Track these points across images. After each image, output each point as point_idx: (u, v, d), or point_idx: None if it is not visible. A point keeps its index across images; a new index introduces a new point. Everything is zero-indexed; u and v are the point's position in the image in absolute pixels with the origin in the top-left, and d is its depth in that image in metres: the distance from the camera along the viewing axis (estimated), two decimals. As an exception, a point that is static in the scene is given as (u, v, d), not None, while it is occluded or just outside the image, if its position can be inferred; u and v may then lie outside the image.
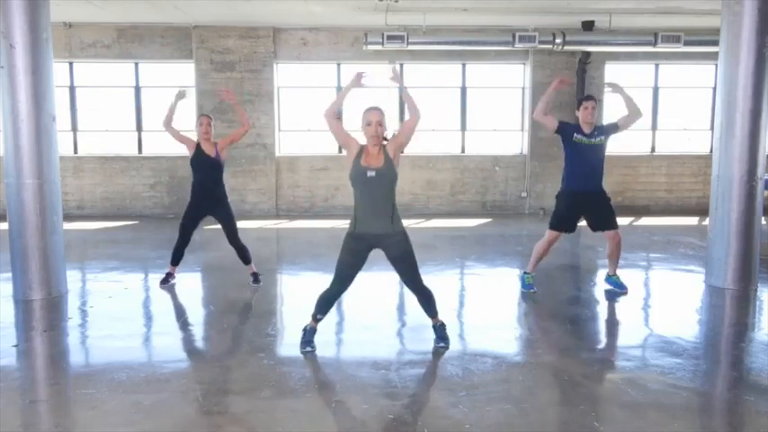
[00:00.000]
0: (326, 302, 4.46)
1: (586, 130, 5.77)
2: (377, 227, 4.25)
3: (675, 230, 9.68)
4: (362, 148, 4.26)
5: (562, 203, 5.91)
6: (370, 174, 4.17)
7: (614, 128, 5.87)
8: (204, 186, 6.08)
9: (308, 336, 4.46)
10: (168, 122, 6.10)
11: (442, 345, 4.49)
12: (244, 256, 6.25)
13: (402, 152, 4.43)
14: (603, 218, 5.90)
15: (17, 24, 5.48)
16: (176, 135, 6.12)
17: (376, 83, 4.50)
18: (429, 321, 4.55)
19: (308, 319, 4.50)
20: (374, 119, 4.19)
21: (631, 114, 5.87)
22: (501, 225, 10.35)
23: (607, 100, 11.19)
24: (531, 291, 6.03)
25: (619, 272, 6.20)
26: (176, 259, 6.29)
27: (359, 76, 4.38)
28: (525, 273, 6.14)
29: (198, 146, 6.05)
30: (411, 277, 4.41)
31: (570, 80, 5.78)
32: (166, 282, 6.31)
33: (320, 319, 4.50)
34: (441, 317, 4.57)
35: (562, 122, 5.84)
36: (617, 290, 6.09)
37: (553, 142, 10.85)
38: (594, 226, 5.99)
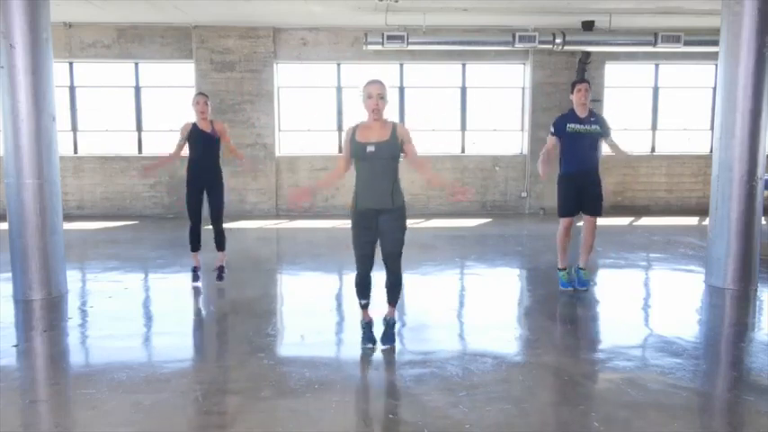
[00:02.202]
0: (362, 286, 4.45)
1: (580, 113, 5.82)
2: (377, 202, 4.23)
3: (675, 230, 9.67)
4: (355, 129, 4.25)
5: (562, 187, 5.96)
6: (370, 149, 4.15)
7: (606, 132, 5.93)
8: (200, 161, 6.12)
9: (367, 331, 4.48)
10: (179, 153, 6.22)
11: (386, 346, 4.42)
12: (220, 241, 6.29)
13: (403, 152, 4.35)
14: (591, 201, 5.92)
15: (17, 24, 5.48)
16: (184, 142, 6.16)
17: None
18: (429, 321, 4.56)
19: (307, 320, 4.50)
20: (375, 91, 4.15)
21: (616, 151, 6.16)
22: (501, 225, 10.35)
23: (607, 100, 11.21)
24: (569, 289, 6.00)
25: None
26: (195, 244, 6.29)
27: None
28: (558, 269, 6.11)
29: (194, 125, 6.12)
30: (393, 254, 4.34)
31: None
32: (196, 278, 6.31)
33: (366, 305, 4.49)
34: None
35: (556, 126, 5.89)
36: (579, 287, 6.04)
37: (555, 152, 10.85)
38: (580, 206, 5.95)
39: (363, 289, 4.46)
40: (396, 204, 4.25)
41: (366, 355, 4.40)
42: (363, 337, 4.49)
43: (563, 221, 5.97)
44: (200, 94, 6.33)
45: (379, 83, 4.19)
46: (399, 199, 4.29)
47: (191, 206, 6.18)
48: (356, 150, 4.20)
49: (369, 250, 4.34)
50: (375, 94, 4.14)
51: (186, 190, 6.19)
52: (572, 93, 5.90)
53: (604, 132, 5.90)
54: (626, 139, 11.62)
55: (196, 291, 6.21)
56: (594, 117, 5.87)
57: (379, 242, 4.35)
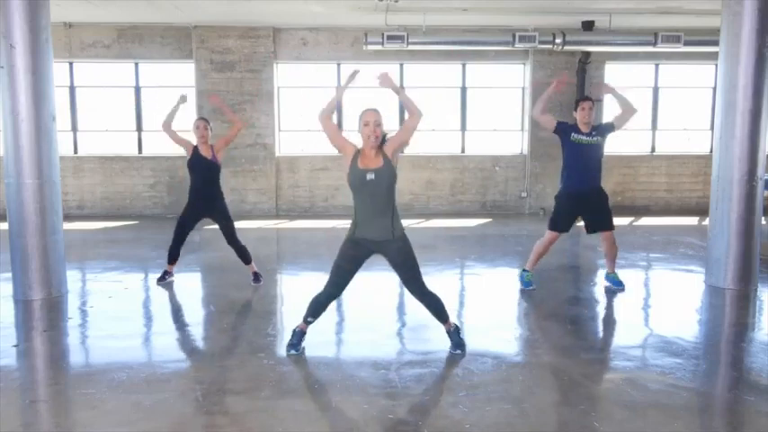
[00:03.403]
0: (319, 306, 4.39)
1: (584, 129, 5.81)
2: (377, 232, 4.17)
3: (675, 230, 9.68)
4: (358, 152, 4.17)
5: (561, 204, 5.96)
6: (370, 176, 4.09)
7: (611, 127, 5.91)
8: (201, 188, 6.13)
9: (296, 338, 4.41)
10: (168, 125, 6.16)
11: (457, 352, 4.37)
12: (243, 255, 6.28)
13: (402, 152, 4.37)
14: (600, 218, 5.96)
15: (17, 24, 5.48)
16: (175, 137, 6.18)
17: (370, 78, 4.43)
18: (428, 321, 4.54)
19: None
20: (371, 119, 4.10)
21: (625, 112, 5.90)
22: (501, 225, 10.35)
23: (607, 100, 11.20)
24: (531, 288, 6.08)
25: (619, 271, 6.24)
26: (173, 258, 6.33)
27: (353, 74, 4.31)
28: (524, 270, 6.18)
29: (195, 148, 6.10)
30: (413, 283, 4.33)
31: (568, 78, 5.85)
32: (163, 279, 6.36)
33: (311, 322, 4.43)
34: (450, 324, 4.44)
35: (560, 122, 5.88)
36: (614, 287, 6.15)
37: (553, 142, 10.79)
38: (591, 227, 6.04)
39: (318, 308, 4.39)
40: (396, 235, 4.19)
41: (362, 356, 4.39)
42: (292, 342, 4.39)
43: (549, 234, 6.00)
44: (200, 118, 6.31)
45: (375, 111, 4.14)
46: (399, 228, 4.23)
47: (181, 226, 6.23)
48: (356, 178, 4.12)
49: (345, 279, 4.31)
50: (371, 122, 4.09)
51: (185, 207, 6.24)
52: (575, 110, 5.90)
53: (610, 129, 5.88)
54: (626, 138, 11.64)
55: (196, 291, 6.21)
56: (596, 130, 5.87)
57: (398, 276, 4.34)
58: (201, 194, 6.13)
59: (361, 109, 4.21)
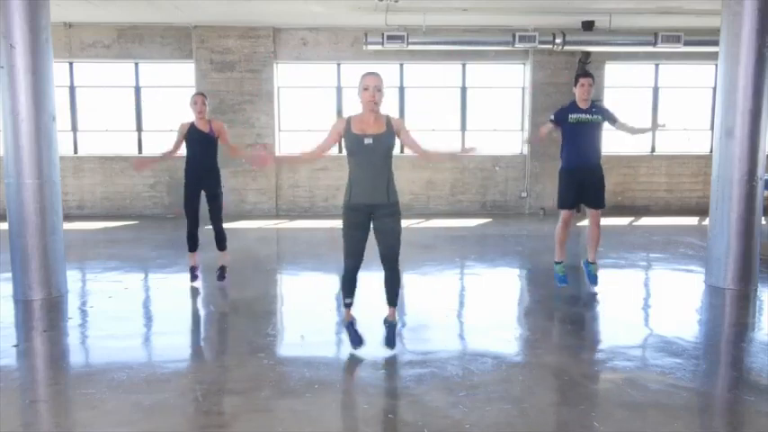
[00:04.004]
0: (348, 282, 4.36)
1: (582, 106, 5.83)
2: (372, 196, 4.15)
3: (675, 230, 9.67)
4: (349, 120, 4.16)
5: (563, 180, 5.97)
6: (368, 141, 4.06)
7: (612, 119, 5.92)
8: (198, 160, 6.10)
9: (352, 331, 4.40)
10: (176, 151, 6.21)
11: (388, 347, 4.36)
12: (220, 240, 6.28)
13: (402, 151, 4.34)
14: (594, 194, 5.94)
15: (17, 24, 5.48)
16: (182, 140, 6.16)
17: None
18: (428, 321, 4.55)
19: (308, 320, 4.49)
20: (371, 83, 4.05)
21: (631, 131, 6.08)
22: (501, 225, 10.35)
23: (607, 100, 11.20)
24: (564, 285, 6.02)
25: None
26: (192, 244, 6.28)
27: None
28: (555, 263, 6.12)
29: (192, 124, 6.11)
30: (391, 253, 4.27)
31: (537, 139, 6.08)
32: (194, 278, 6.32)
33: (350, 304, 4.40)
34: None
35: (556, 115, 5.90)
36: (588, 281, 6.10)
37: (553, 142, 10.82)
38: (583, 200, 5.99)
39: (350, 286, 4.37)
40: (391, 199, 4.18)
41: (362, 355, 4.39)
42: (351, 339, 4.41)
43: (563, 214, 5.97)
44: (198, 93, 6.31)
45: (375, 75, 4.10)
46: (394, 194, 4.21)
47: (188, 208, 6.18)
48: (352, 143, 4.10)
49: (359, 247, 4.25)
50: (372, 87, 4.04)
51: (184, 191, 6.19)
52: (575, 85, 5.91)
53: (610, 119, 5.89)
54: (626, 139, 11.63)
55: (194, 291, 6.21)
56: (596, 108, 5.87)
57: (376, 241, 4.28)
58: (197, 166, 6.10)
59: (362, 74, 4.17)
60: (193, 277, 6.34)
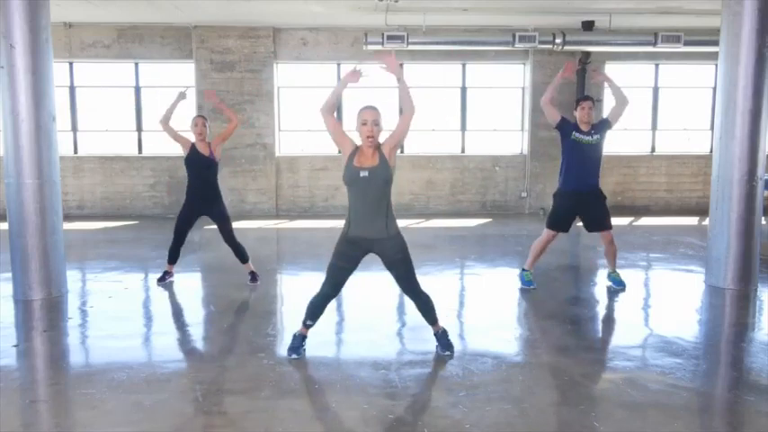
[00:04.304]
0: (317, 308, 4.35)
1: (584, 129, 5.86)
2: (371, 231, 4.13)
3: (675, 230, 9.68)
4: (357, 149, 4.15)
5: (559, 203, 5.99)
6: (363, 174, 4.05)
7: (607, 124, 5.95)
8: (199, 186, 6.12)
9: (296, 342, 4.37)
10: (166, 121, 6.17)
11: (447, 353, 4.35)
12: (240, 254, 6.28)
13: (402, 151, 4.34)
14: (598, 218, 5.99)
15: (17, 24, 5.48)
16: (172, 134, 6.17)
17: (372, 77, 4.38)
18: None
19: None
20: (369, 118, 4.06)
21: (619, 103, 5.95)
22: (501, 225, 10.35)
23: (607, 100, 11.20)
24: (532, 287, 6.10)
25: (619, 271, 6.25)
26: (173, 258, 6.33)
27: (354, 73, 4.27)
28: (524, 270, 6.21)
29: (193, 146, 6.11)
30: (407, 282, 4.30)
31: (573, 65, 5.82)
32: (163, 279, 6.36)
33: (310, 326, 4.39)
34: (441, 322, 4.44)
35: (564, 119, 5.90)
36: (615, 287, 6.17)
37: (553, 142, 10.84)
38: (589, 226, 6.08)
39: (316, 311, 4.35)
40: (390, 233, 4.15)
41: (362, 356, 4.39)
42: (292, 346, 4.36)
43: (547, 233, 6.05)
44: (198, 116, 6.29)
45: (373, 109, 4.10)
46: (393, 226, 4.18)
47: (180, 225, 6.22)
48: (350, 174, 4.09)
49: (341, 278, 4.26)
50: (370, 121, 4.05)
51: (182, 207, 6.23)
52: (575, 109, 5.93)
53: (608, 126, 5.90)
54: (626, 138, 11.64)
55: (196, 291, 6.22)
56: (595, 129, 5.90)
57: (392, 276, 4.31)
58: (199, 192, 6.12)
59: (360, 107, 4.17)
60: (162, 278, 6.36)
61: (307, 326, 4.39)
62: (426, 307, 4.39)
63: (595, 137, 5.84)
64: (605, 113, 10.57)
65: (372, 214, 4.12)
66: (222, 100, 6.34)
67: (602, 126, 5.93)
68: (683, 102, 11.97)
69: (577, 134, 5.82)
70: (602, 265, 7.23)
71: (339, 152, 4.27)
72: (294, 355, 4.32)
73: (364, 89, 4.33)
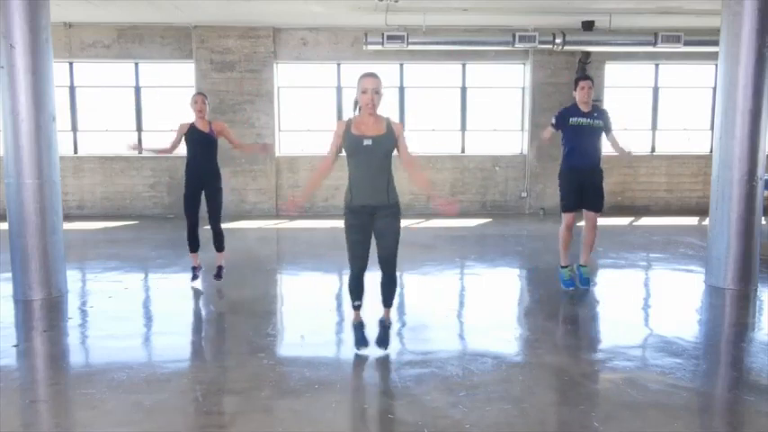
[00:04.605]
0: (357, 287, 4.34)
1: (584, 109, 5.84)
2: (372, 197, 4.12)
3: (675, 230, 9.67)
4: (349, 122, 4.14)
5: (564, 181, 5.98)
6: (367, 142, 4.03)
7: (607, 128, 5.96)
8: (198, 161, 6.11)
9: (358, 333, 4.41)
10: (171, 150, 6.26)
11: (381, 347, 4.35)
12: (219, 241, 6.27)
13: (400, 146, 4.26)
14: (593, 197, 5.95)
15: (17, 24, 5.48)
16: (179, 139, 6.17)
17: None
18: (428, 321, 4.54)
19: (307, 320, 4.49)
20: (370, 86, 4.03)
21: (615, 148, 6.10)
22: (501, 225, 10.35)
23: (607, 100, 11.20)
24: (571, 288, 6.01)
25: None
26: (193, 245, 6.29)
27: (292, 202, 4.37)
28: (561, 267, 6.12)
29: (192, 124, 6.11)
30: (389, 254, 4.24)
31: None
32: (195, 277, 6.33)
33: (359, 306, 4.40)
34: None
35: (557, 119, 5.90)
36: (582, 286, 6.07)
37: (553, 142, 10.84)
38: (581, 202, 5.99)
39: (356, 289, 4.36)
40: (391, 201, 4.17)
41: (362, 356, 4.40)
42: (356, 340, 4.42)
43: (565, 217, 5.98)
44: (197, 93, 6.33)
45: (374, 76, 4.07)
46: (394, 195, 4.20)
47: (188, 207, 6.18)
48: (352, 144, 4.08)
49: (362, 250, 4.24)
50: (370, 89, 4.02)
51: (184, 191, 6.20)
52: (575, 89, 5.93)
53: (606, 127, 5.92)
54: (626, 139, 11.63)
55: (196, 291, 6.22)
56: (597, 112, 5.89)
57: (375, 242, 4.27)
58: (198, 168, 6.10)
59: (360, 74, 4.14)
60: (194, 277, 6.34)
61: (357, 307, 4.41)
62: (392, 286, 4.38)
63: (597, 121, 5.84)
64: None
65: (374, 182, 4.12)
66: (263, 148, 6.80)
67: (606, 119, 5.93)
68: (683, 102, 11.96)
69: (575, 118, 5.82)
70: (602, 265, 7.24)
71: (340, 151, 4.24)
72: (362, 348, 4.34)
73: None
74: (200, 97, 6.14)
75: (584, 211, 6.00)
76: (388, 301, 4.41)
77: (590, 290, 6.08)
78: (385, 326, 4.43)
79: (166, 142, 6.27)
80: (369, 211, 4.17)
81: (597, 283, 6.67)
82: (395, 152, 4.21)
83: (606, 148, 6.05)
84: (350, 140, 4.09)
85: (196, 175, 6.10)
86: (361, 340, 4.40)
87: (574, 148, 5.86)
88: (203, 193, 6.16)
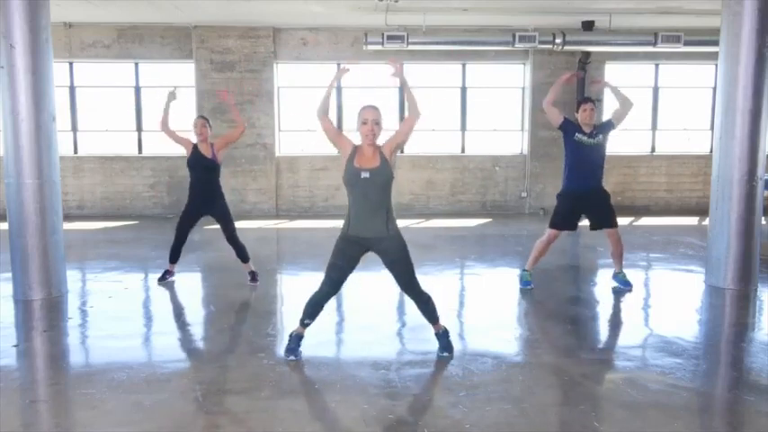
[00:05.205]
0: (315, 306, 4.32)
1: (586, 131, 5.86)
2: (371, 230, 4.12)
3: (675, 230, 9.68)
4: (355, 149, 4.13)
5: (563, 203, 5.99)
6: (365, 175, 4.04)
7: (610, 125, 5.97)
8: (201, 186, 6.12)
9: (293, 343, 4.34)
10: (165, 124, 6.21)
11: (445, 354, 4.34)
12: (242, 254, 6.28)
13: (402, 151, 4.35)
14: (603, 216, 5.99)
15: (17, 24, 5.48)
16: (173, 136, 6.20)
17: (370, 75, 4.38)
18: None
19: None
20: (370, 117, 4.04)
21: (623, 106, 5.97)
22: (501, 225, 10.35)
23: (607, 100, 11.20)
24: (529, 287, 6.10)
25: (624, 271, 6.24)
26: (174, 257, 6.35)
27: (342, 70, 4.28)
28: (524, 270, 6.21)
29: (195, 147, 6.10)
30: (407, 281, 4.29)
31: (579, 74, 5.82)
32: (164, 279, 6.37)
33: (308, 324, 4.35)
34: (442, 321, 4.45)
35: (567, 119, 5.90)
36: (621, 287, 6.16)
37: (553, 142, 10.87)
38: (594, 224, 6.09)
39: (314, 309, 4.31)
40: (390, 232, 4.14)
41: (362, 356, 4.39)
42: (289, 347, 4.34)
43: (549, 233, 6.04)
44: (199, 117, 6.30)
45: (374, 109, 4.08)
46: (394, 227, 4.17)
47: (182, 225, 6.23)
48: (351, 176, 4.08)
49: (341, 277, 4.24)
50: (370, 120, 4.03)
51: (185, 207, 6.25)
52: (577, 111, 5.94)
53: (611, 127, 5.93)
54: (626, 138, 11.64)
55: (195, 291, 6.22)
56: (597, 130, 5.91)
57: (392, 275, 4.29)
58: (201, 193, 6.12)
59: (361, 106, 4.15)
60: (162, 278, 6.37)
61: (305, 324, 4.36)
62: (426, 307, 4.37)
63: (597, 138, 5.85)
64: (606, 113, 10.68)
65: (372, 214, 4.11)
66: (233, 98, 6.27)
67: (605, 127, 5.95)
68: (683, 102, 11.96)
69: (579, 135, 5.83)
70: (603, 265, 7.24)
71: (339, 152, 4.26)
72: (292, 357, 4.30)
73: (365, 89, 4.33)
74: (201, 121, 6.12)
75: (605, 229, 6.04)
76: (431, 319, 4.41)
77: (631, 288, 6.11)
78: (440, 335, 4.41)
79: (169, 144, 6.28)
80: (364, 245, 4.18)
81: (597, 283, 6.68)
82: (397, 153, 4.21)
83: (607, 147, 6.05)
84: (349, 171, 4.09)
85: (199, 200, 6.13)
86: (293, 349, 4.32)
87: (576, 169, 5.86)
88: (209, 215, 6.19)
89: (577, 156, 5.84)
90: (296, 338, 4.37)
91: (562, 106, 10.26)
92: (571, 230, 6.12)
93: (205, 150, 6.08)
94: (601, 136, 5.87)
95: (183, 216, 6.24)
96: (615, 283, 6.24)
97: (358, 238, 4.16)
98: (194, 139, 6.13)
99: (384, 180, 4.08)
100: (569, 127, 5.86)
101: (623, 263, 6.22)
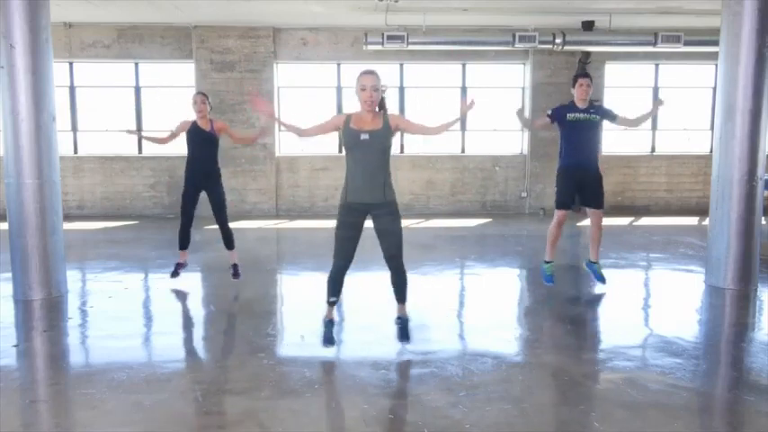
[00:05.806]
0: (335, 282, 4.34)
1: (581, 105, 5.86)
2: (368, 195, 4.14)
3: (675, 230, 9.67)
4: (349, 117, 4.17)
5: (562, 180, 5.99)
6: (364, 137, 4.06)
7: (611, 116, 5.97)
8: (199, 160, 6.10)
9: (328, 330, 4.39)
10: (162, 141, 6.29)
11: (404, 342, 4.37)
12: (228, 240, 6.27)
13: (402, 151, 4.35)
14: (593, 195, 5.97)
15: (17, 24, 5.48)
16: (174, 137, 6.21)
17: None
18: (429, 321, 4.54)
19: (308, 320, 4.49)
20: (368, 83, 4.06)
21: (634, 123, 6.08)
22: (501, 225, 10.35)
23: (607, 100, 11.20)
24: (551, 285, 6.03)
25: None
26: (184, 242, 6.29)
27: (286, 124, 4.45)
28: (545, 262, 6.13)
29: (194, 122, 6.11)
30: (394, 253, 4.27)
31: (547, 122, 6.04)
32: (176, 274, 6.33)
33: (334, 302, 4.39)
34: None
35: (554, 111, 5.92)
36: (595, 279, 6.14)
37: (553, 142, 10.82)
38: (583, 201, 6.04)
39: (335, 285, 4.34)
40: (387, 198, 4.17)
41: (362, 356, 4.39)
42: (324, 337, 4.39)
43: (557, 214, 6.00)
44: (197, 92, 6.32)
45: (372, 74, 4.11)
46: (391, 193, 4.21)
47: (184, 205, 6.19)
48: (349, 138, 4.10)
49: (350, 248, 4.25)
50: (369, 86, 4.06)
51: (183, 188, 6.20)
52: (573, 86, 5.94)
53: (609, 116, 5.93)
54: (626, 138, 11.65)
55: (195, 291, 6.21)
56: (594, 108, 5.91)
57: (379, 242, 4.29)
58: (199, 167, 6.09)
59: (359, 72, 4.17)
60: (175, 273, 6.34)
61: (331, 303, 4.39)
62: (401, 283, 4.39)
63: (593, 115, 5.84)
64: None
65: (371, 178, 4.13)
66: (272, 111, 6.05)
67: (605, 113, 5.95)
68: (683, 102, 11.96)
69: (573, 114, 5.83)
70: (603, 265, 7.21)
71: (340, 151, 4.28)
72: (329, 345, 4.33)
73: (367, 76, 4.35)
74: (200, 97, 6.13)
75: (588, 209, 6.02)
76: (401, 297, 4.43)
77: (604, 285, 6.09)
78: (403, 321, 4.45)
79: (164, 133, 6.27)
80: (363, 210, 4.19)
81: (597, 284, 6.66)
82: (394, 151, 4.21)
83: (607, 147, 6.05)
84: (347, 134, 4.13)
85: (196, 174, 6.09)
86: (328, 338, 4.38)
87: (571, 144, 5.87)
88: (204, 193, 6.15)
89: (572, 132, 5.84)
90: (329, 325, 4.40)
91: (556, 88, 10.47)
92: (572, 207, 6.04)
93: (204, 125, 6.07)
94: (597, 116, 5.87)
95: (184, 197, 6.18)
96: (589, 272, 6.17)
97: (357, 204, 4.17)
98: (189, 120, 6.12)
99: (383, 143, 4.12)
100: (560, 113, 5.88)
101: (600, 250, 6.17)
